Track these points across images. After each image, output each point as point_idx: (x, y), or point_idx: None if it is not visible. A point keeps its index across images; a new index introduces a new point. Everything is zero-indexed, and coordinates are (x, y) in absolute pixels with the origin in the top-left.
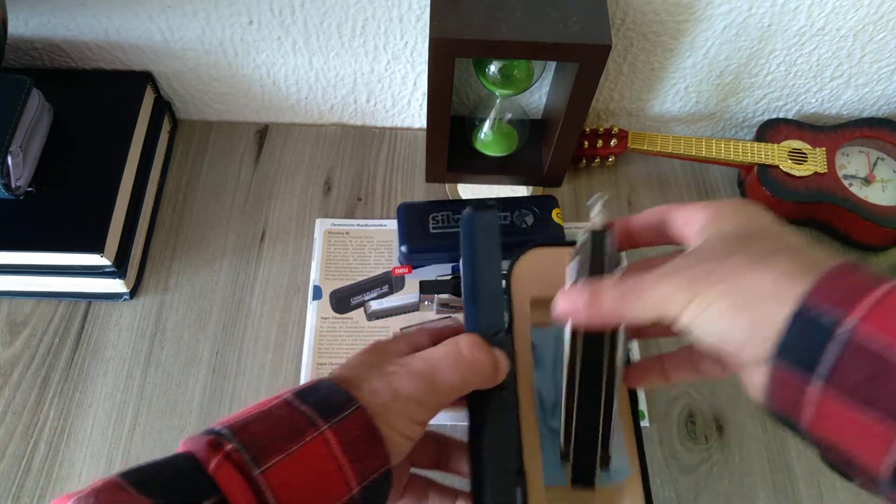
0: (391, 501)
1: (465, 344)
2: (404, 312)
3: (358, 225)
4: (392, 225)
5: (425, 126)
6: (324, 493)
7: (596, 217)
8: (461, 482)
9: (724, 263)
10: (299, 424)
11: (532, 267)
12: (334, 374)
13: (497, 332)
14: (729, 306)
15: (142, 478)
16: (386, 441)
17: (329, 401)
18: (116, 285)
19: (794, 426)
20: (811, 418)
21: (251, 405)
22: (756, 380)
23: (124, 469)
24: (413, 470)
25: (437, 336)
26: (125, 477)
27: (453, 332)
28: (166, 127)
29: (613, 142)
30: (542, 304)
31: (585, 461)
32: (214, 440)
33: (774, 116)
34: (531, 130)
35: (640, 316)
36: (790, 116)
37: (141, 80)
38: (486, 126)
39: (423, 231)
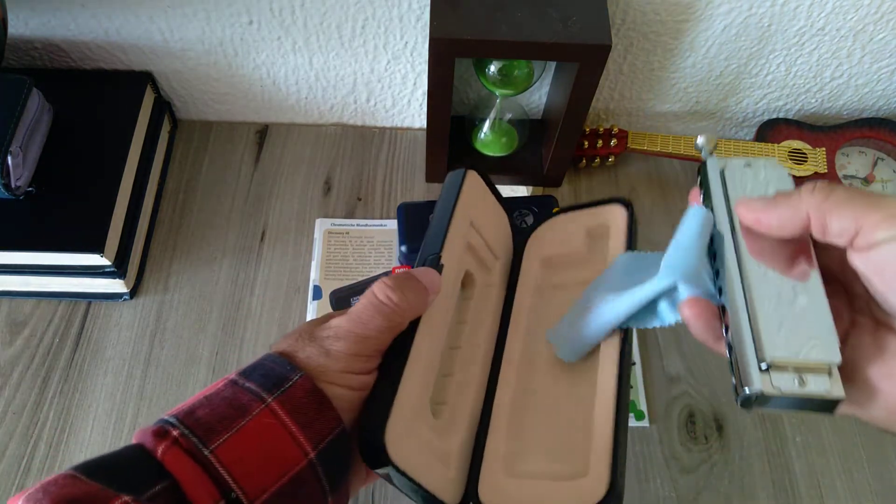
0: (357, 487)
1: (377, 289)
2: None
3: (358, 225)
4: (392, 225)
5: (425, 126)
6: (279, 462)
7: (704, 144)
8: None
9: None
10: (245, 401)
11: (549, 231)
12: (272, 349)
13: (434, 256)
14: None
15: (92, 468)
16: (333, 400)
17: (273, 373)
18: (116, 285)
19: None
20: None
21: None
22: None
23: (74, 465)
24: None
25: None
26: (76, 469)
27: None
28: (166, 127)
29: (613, 142)
30: (554, 261)
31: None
32: (160, 429)
33: (774, 116)
34: (531, 130)
35: (848, 211)
36: (790, 116)
37: (141, 80)
38: (486, 126)
39: (423, 231)
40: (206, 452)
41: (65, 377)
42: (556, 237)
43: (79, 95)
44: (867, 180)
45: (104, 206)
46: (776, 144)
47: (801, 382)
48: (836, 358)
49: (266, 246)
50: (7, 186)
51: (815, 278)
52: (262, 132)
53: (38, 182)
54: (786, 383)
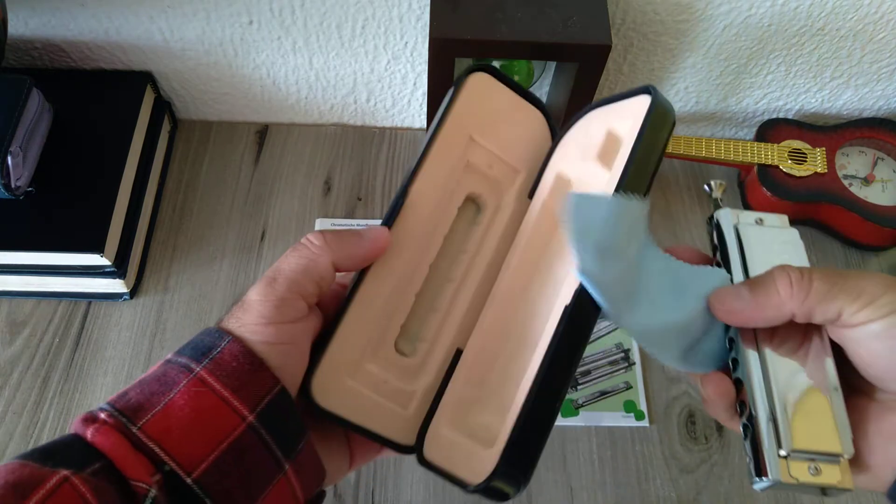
0: (341, 473)
1: (310, 233)
2: None
3: (358, 225)
4: None
5: (425, 126)
6: (214, 430)
7: (714, 189)
8: None
9: None
10: (174, 376)
11: (573, 134)
12: None
13: (401, 189)
14: None
15: (27, 455)
16: (267, 360)
17: (202, 344)
18: (116, 285)
19: None
20: None
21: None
22: None
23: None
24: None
25: None
26: (13, 459)
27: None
28: (166, 127)
29: None
30: (568, 173)
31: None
32: (89, 414)
33: (774, 116)
34: None
35: (831, 305)
36: (790, 116)
37: (141, 80)
38: None
39: None
40: (133, 430)
41: (65, 377)
42: (576, 142)
43: (79, 95)
44: (867, 180)
45: (104, 206)
46: (776, 144)
47: (816, 472)
48: (850, 451)
49: (266, 246)
50: (7, 186)
51: (830, 364)
52: (262, 132)
53: (38, 182)
54: (802, 473)
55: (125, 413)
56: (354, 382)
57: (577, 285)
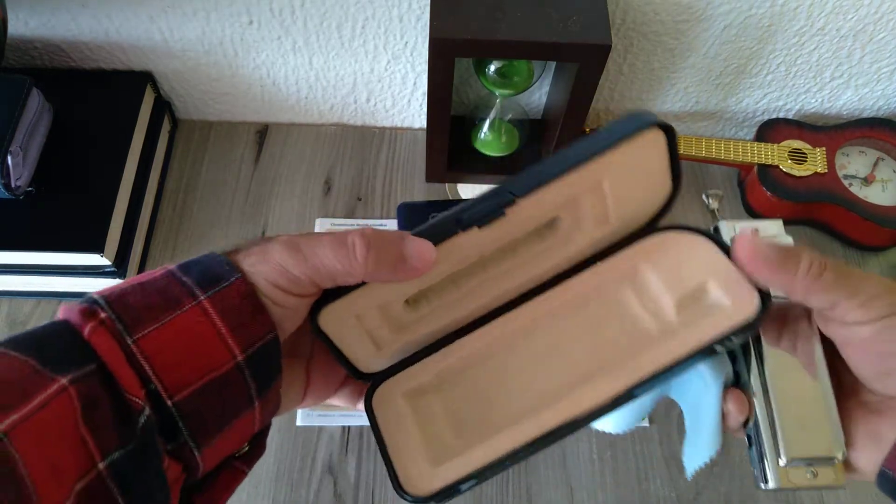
0: (293, 404)
1: (357, 232)
2: None
3: (358, 225)
4: (392, 225)
5: (425, 126)
6: (204, 360)
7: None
8: None
9: None
10: (177, 294)
11: (673, 249)
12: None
13: (509, 196)
14: None
15: (17, 340)
16: (269, 309)
17: (211, 271)
18: None
19: None
20: None
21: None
22: (884, 428)
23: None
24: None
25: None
26: (4, 345)
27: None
28: (166, 127)
29: None
30: (643, 282)
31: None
32: (88, 308)
33: (774, 116)
34: (531, 130)
35: (829, 295)
36: (790, 116)
37: (141, 80)
38: (486, 126)
39: None
40: (129, 341)
41: None
42: (670, 257)
43: (79, 95)
44: (867, 180)
45: (104, 206)
46: (776, 144)
47: (813, 475)
48: (843, 453)
49: None
50: (7, 186)
51: (823, 369)
52: (262, 132)
53: (38, 182)
54: (800, 479)
55: (123, 319)
56: (356, 321)
57: (593, 404)
